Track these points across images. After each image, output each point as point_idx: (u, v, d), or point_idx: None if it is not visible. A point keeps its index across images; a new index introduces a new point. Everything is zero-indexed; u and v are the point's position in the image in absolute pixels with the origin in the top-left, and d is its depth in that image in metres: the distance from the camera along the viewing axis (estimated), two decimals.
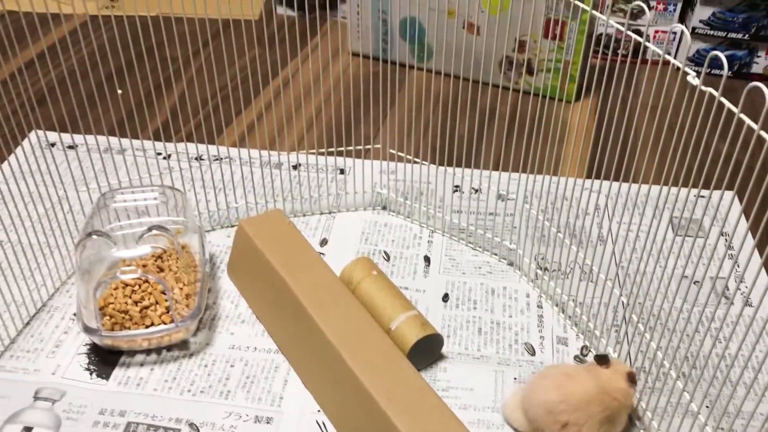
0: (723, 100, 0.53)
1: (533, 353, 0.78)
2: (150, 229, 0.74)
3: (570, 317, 0.82)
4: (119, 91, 0.78)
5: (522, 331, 0.81)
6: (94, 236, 0.74)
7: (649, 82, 1.07)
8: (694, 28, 1.23)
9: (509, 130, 1.01)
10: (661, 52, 0.60)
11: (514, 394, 0.71)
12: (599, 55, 1.29)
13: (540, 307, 0.84)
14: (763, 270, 0.84)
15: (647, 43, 0.62)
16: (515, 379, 0.75)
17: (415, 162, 0.94)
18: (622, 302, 0.80)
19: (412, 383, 0.67)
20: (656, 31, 1.24)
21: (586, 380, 0.66)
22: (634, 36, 0.66)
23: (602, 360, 0.68)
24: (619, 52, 1.26)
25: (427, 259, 0.90)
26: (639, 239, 0.92)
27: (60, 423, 0.70)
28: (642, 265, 0.88)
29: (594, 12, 0.68)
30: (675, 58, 1.28)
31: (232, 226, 0.95)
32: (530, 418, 0.68)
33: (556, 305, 0.84)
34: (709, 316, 0.80)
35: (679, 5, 1.24)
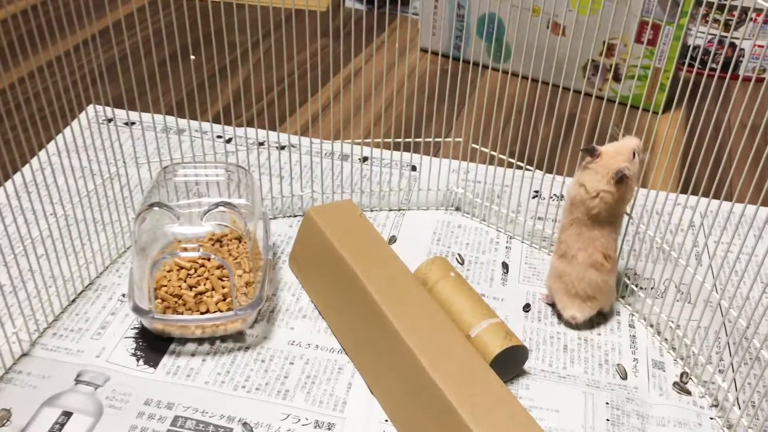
0: None
1: (625, 376, 0.70)
2: (217, 205, 0.68)
3: (666, 340, 0.73)
4: (192, 57, 0.72)
5: (613, 351, 0.72)
6: (156, 208, 0.67)
7: (746, 99, 0.98)
8: None
9: (592, 137, 0.94)
10: None
11: (566, 302, 0.74)
12: (691, 68, 1.21)
13: (632, 326, 0.75)
14: None
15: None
16: (607, 404, 0.67)
17: (493, 159, 0.87)
18: (728, 329, 0.71)
19: (499, 398, 0.59)
20: (754, 45, 1.15)
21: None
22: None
23: (592, 151, 0.70)
24: (711, 65, 1.18)
25: (505, 266, 0.82)
26: (740, 261, 0.84)
27: (102, 410, 0.63)
28: (745, 289, 0.80)
29: None
30: None
31: (295, 216, 0.88)
32: (588, 292, 0.72)
33: (651, 326, 0.75)
34: None
35: None
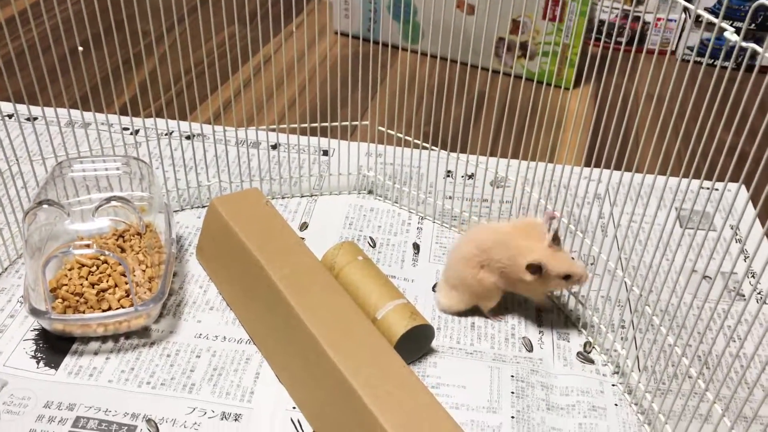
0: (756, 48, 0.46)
1: (531, 349, 0.71)
2: (109, 200, 0.66)
3: (571, 310, 0.75)
4: (80, 48, 0.69)
5: (519, 325, 0.74)
6: (45, 206, 0.65)
7: (651, 70, 1.01)
8: (698, 16, 1.17)
9: (503, 115, 0.95)
10: None
11: (441, 284, 0.75)
12: (599, 43, 1.23)
13: None
14: None
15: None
16: (512, 376, 0.68)
17: (406, 142, 0.87)
18: (628, 296, 0.73)
19: (401, 379, 0.59)
20: (659, 19, 1.18)
21: (500, 231, 0.70)
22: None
23: (555, 239, 0.68)
24: (619, 39, 1.20)
25: (416, 247, 0.83)
26: (643, 230, 0.86)
27: None
28: (648, 257, 0.82)
29: None
30: (677, 46, 1.23)
31: (204, 207, 0.87)
32: (454, 282, 0.72)
33: (557, 297, 0.77)
34: (722, 313, 0.73)
35: None
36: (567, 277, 0.68)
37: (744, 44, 0.48)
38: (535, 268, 0.67)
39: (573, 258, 0.69)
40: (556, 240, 0.68)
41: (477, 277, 0.70)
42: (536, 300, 0.75)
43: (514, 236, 0.70)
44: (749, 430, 0.54)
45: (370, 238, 0.84)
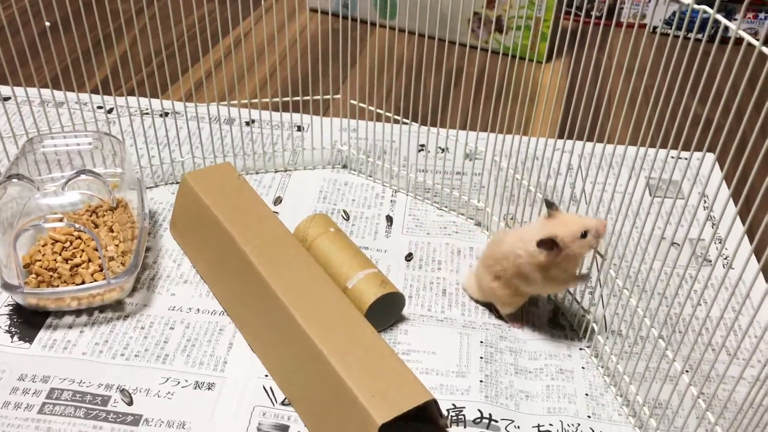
0: (719, 17, 0.47)
1: (500, 315, 0.72)
2: (79, 173, 0.67)
3: None
4: (47, 23, 0.69)
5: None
6: (15, 180, 0.66)
7: (624, 45, 1.02)
8: None
9: (477, 89, 0.96)
10: None
11: (472, 267, 0.76)
12: (574, 16, 1.24)
13: None
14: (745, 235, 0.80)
15: None
16: (481, 342, 0.69)
17: (380, 116, 0.87)
18: (596, 262, 0.74)
19: (370, 345, 0.60)
20: None
21: (510, 238, 0.67)
22: None
23: (550, 205, 0.66)
24: (593, 13, 1.21)
25: (389, 219, 0.84)
26: (614, 200, 0.87)
27: None
28: (618, 226, 0.83)
29: None
30: (651, 20, 1.23)
31: (177, 183, 0.87)
32: (477, 279, 0.72)
33: None
34: (689, 279, 0.74)
35: None
36: (584, 236, 0.62)
37: (696, 6, 0.49)
38: (549, 243, 0.62)
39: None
40: (551, 207, 0.64)
41: (490, 284, 0.69)
42: (561, 288, 0.70)
43: (514, 237, 0.67)
44: (704, 386, 0.55)
45: (344, 211, 0.85)
